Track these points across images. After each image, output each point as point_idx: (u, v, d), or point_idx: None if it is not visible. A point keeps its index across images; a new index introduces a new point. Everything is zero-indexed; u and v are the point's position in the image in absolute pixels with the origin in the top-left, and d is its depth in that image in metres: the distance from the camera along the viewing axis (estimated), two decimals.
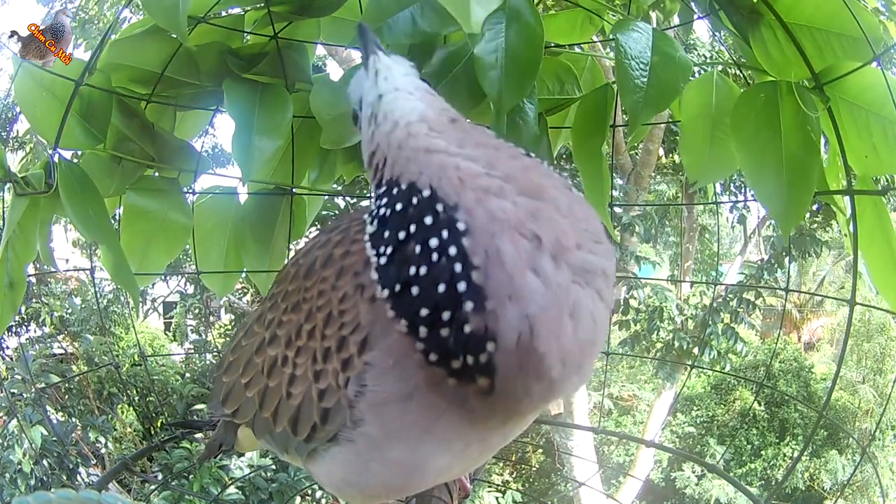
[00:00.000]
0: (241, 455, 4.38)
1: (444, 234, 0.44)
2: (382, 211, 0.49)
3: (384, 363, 0.53)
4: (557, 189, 0.49)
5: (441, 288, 0.44)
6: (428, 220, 0.45)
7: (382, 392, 0.54)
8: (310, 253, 0.65)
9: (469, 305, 0.43)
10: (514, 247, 0.44)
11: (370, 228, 0.50)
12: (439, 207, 0.45)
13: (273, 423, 0.66)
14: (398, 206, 0.47)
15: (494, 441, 0.60)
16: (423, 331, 0.46)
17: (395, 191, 0.48)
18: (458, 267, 0.44)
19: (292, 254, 1.12)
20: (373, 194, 0.52)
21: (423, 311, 0.45)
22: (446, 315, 0.44)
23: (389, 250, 0.47)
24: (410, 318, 0.46)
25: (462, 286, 0.43)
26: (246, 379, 0.70)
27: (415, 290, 0.45)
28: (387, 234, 0.48)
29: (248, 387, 0.69)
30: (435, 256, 0.44)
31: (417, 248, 0.45)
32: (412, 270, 0.45)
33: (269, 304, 0.69)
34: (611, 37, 0.85)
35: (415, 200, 0.47)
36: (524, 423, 0.61)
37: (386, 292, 0.47)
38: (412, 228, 0.46)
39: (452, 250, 0.44)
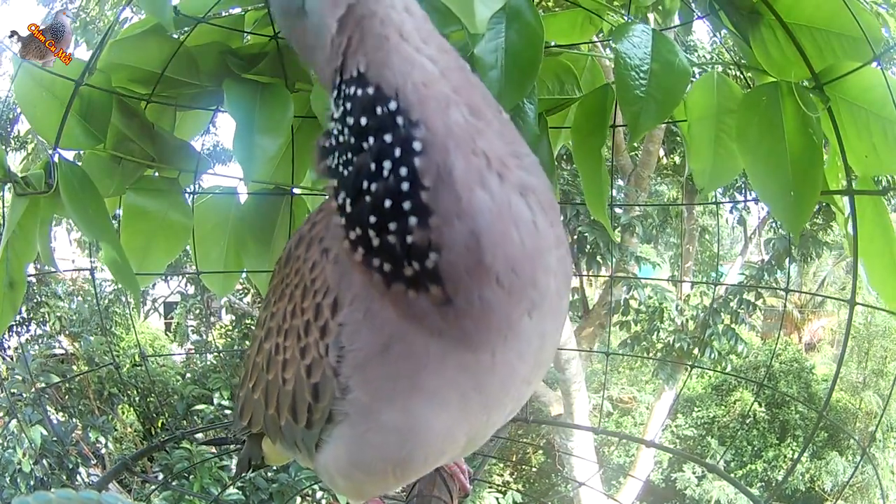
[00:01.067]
0: None
1: (398, 152, 0.46)
2: (350, 120, 0.49)
3: (355, 318, 0.53)
4: (492, 111, 0.50)
5: (388, 203, 0.46)
6: (388, 137, 0.47)
7: (360, 349, 0.54)
8: (288, 242, 0.67)
9: (413, 220, 0.46)
10: (467, 164, 0.46)
11: (342, 133, 0.50)
12: (399, 121, 0.47)
13: (278, 416, 0.66)
14: (363, 120, 0.48)
15: (492, 391, 0.57)
16: (373, 237, 0.48)
17: (360, 93, 0.48)
18: (405, 186, 0.46)
19: None
20: (336, 78, 0.51)
21: (372, 219, 0.47)
22: (392, 225, 0.47)
23: (354, 159, 0.48)
24: (362, 226, 0.48)
25: (407, 205, 0.46)
26: (252, 382, 0.70)
27: (367, 199, 0.47)
28: (352, 140, 0.48)
29: (254, 389, 0.69)
30: (386, 173, 0.46)
31: (373, 165, 0.47)
32: (365, 184, 0.47)
33: (264, 306, 0.70)
34: (611, 42, 0.85)
35: (379, 111, 0.47)
36: (521, 370, 0.57)
37: (344, 199, 0.49)
38: (371, 141, 0.47)
39: (403, 170, 0.46)
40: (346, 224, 0.49)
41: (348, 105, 0.49)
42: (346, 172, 0.49)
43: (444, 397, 0.55)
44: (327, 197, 0.58)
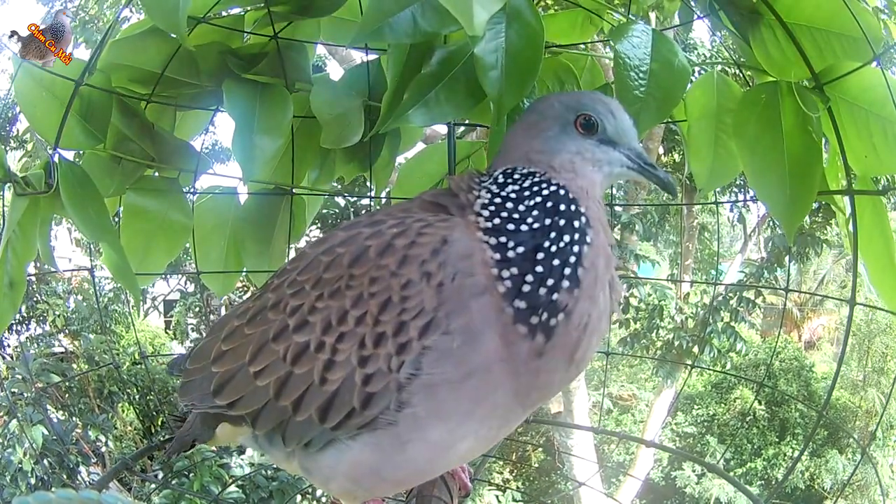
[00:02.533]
0: (241, 453, 4.39)
1: (576, 236, 0.63)
2: (539, 202, 0.65)
3: (446, 345, 0.60)
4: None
5: (556, 262, 0.61)
6: (576, 223, 0.64)
7: (439, 373, 0.60)
8: (351, 242, 0.66)
9: (566, 284, 0.61)
10: (606, 267, 0.64)
11: (523, 203, 0.64)
12: (583, 219, 0.64)
13: (293, 411, 0.65)
14: (554, 207, 0.64)
15: (511, 421, 0.70)
16: (528, 283, 0.60)
17: (554, 190, 0.66)
18: (572, 259, 0.62)
19: (294, 252, 1.11)
20: (539, 174, 0.68)
21: (539, 269, 0.61)
22: (550, 281, 0.61)
23: (537, 222, 0.63)
24: (522, 271, 0.61)
25: (568, 271, 0.61)
26: (257, 367, 0.68)
27: (540, 255, 0.61)
28: (536, 213, 0.64)
29: (259, 375, 0.68)
30: (563, 244, 0.62)
31: (554, 234, 0.63)
32: (546, 243, 0.62)
33: (291, 291, 0.68)
34: (610, 42, 0.85)
35: (569, 208, 0.65)
36: (529, 411, 0.70)
37: (519, 249, 0.62)
38: (559, 221, 0.63)
39: (576, 248, 0.62)
40: (504, 263, 0.61)
41: (542, 192, 0.65)
42: (523, 228, 0.63)
43: (489, 424, 0.65)
44: (416, 220, 0.65)
